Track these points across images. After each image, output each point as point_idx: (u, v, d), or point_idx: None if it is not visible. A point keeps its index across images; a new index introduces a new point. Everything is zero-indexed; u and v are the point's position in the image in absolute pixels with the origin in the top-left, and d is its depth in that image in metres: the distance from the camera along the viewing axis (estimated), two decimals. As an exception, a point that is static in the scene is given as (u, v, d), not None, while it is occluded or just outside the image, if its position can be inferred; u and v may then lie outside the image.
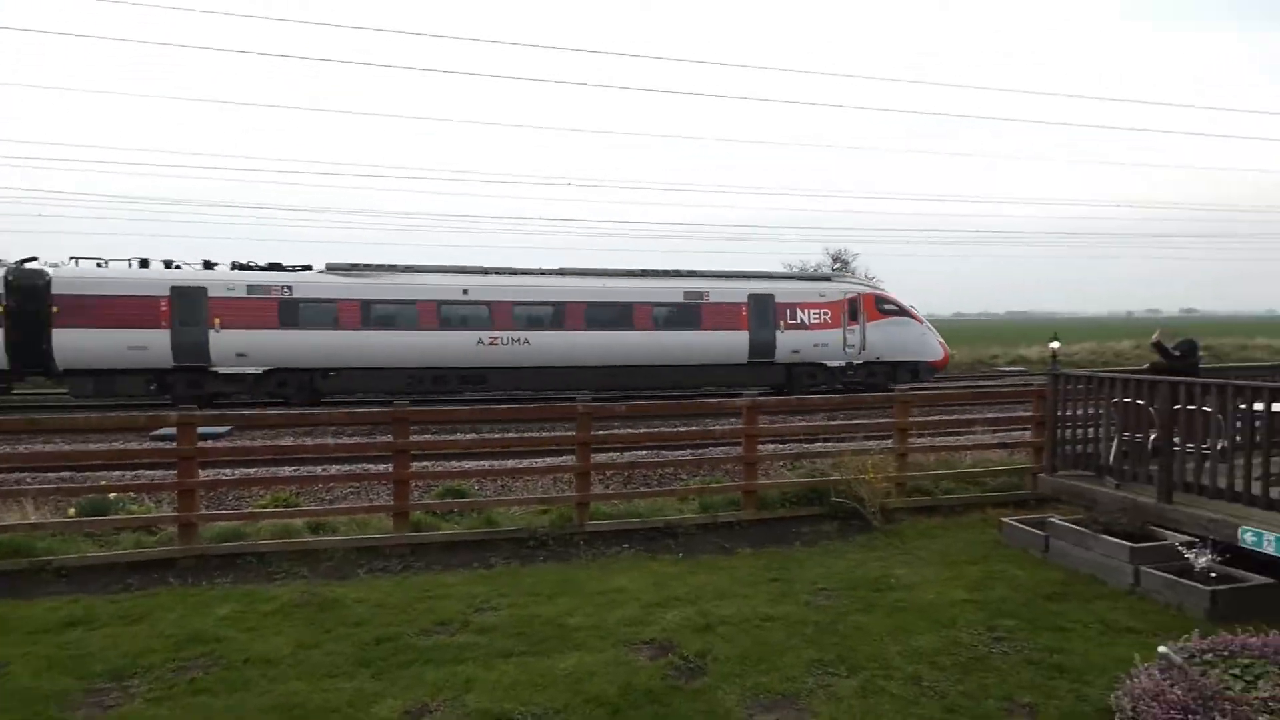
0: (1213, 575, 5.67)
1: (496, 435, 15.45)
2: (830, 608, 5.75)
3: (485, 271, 21.06)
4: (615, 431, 11.94)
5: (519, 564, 7.03)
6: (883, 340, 22.30)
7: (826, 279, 24.51)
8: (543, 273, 21.52)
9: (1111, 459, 7.36)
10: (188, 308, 18.56)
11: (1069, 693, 4.39)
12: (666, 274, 22.11)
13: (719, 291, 21.60)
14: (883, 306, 22.67)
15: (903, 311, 22.94)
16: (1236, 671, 4.08)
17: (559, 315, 20.42)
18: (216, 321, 18.67)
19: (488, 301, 20.08)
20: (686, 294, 21.40)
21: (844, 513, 8.34)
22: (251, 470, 11.22)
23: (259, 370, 19.05)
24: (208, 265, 19.77)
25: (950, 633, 5.24)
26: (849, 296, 22.46)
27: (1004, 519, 7.71)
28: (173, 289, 18.55)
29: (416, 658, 4.90)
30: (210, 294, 18.75)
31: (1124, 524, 6.46)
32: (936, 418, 11.81)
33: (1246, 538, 5.73)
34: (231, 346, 18.77)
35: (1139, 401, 7.08)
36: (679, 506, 8.64)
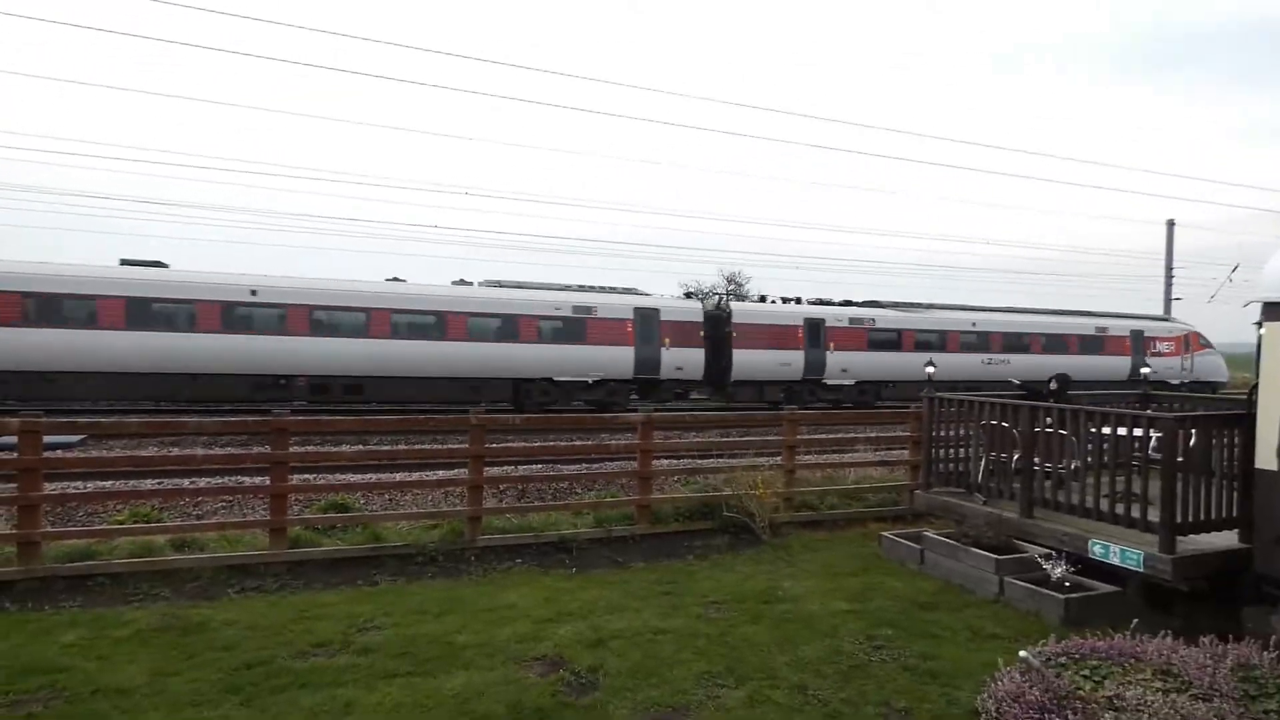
0: (1066, 584, 6.14)
1: (385, 447, 14.88)
2: (720, 620, 5.84)
3: (980, 309, 28.43)
4: (510, 444, 11.77)
5: (405, 581, 6.78)
6: (1200, 366, 30.27)
7: (1167, 319, 32.21)
8: (1009, 311, 29.02)
9: (980, 477, 7.87)
10: (813, 334, 24.44)
11: (940, 696, 4.63)
12: (1080, 314, 29.88)
13: (1114, 328, 29.33)
14: (1201, 341, 30.75)
15: (1209, 345, 31.02)
16: (1086, 672, 4.43)
17: (1028, 343, 27.85)
18: (831, 345, 24.62)
19: (989, 333, 27.26)
20: (1096, 329, 29.03)
21: (735, 527, 8.52)
22: (107, 483, 10.34)
23: (852, 382, 24.99)
24: (797, 301, 26.06)
25: (833, 642, 5.43)
26: (1184, 334, 30.55)
27: (883, 533, 8.10)
28: (805, 320, 24.54)
29: (291, 682, 4.62)
30: (827, 324, 24.73)
31: (990, 537, 6.91)
32: (823, 436, 12.27)
33: (1095, 549, 6.25)
34: (839, 364, 24.73)
35: (1004, 424, 7.62)
36: (573, 521, 8.58)
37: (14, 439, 6.68)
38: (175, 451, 13.16)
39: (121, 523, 7.95)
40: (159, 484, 10.29)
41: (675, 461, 11.56)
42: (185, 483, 10.32)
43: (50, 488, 7.85)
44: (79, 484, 10.36)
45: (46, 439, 6.82)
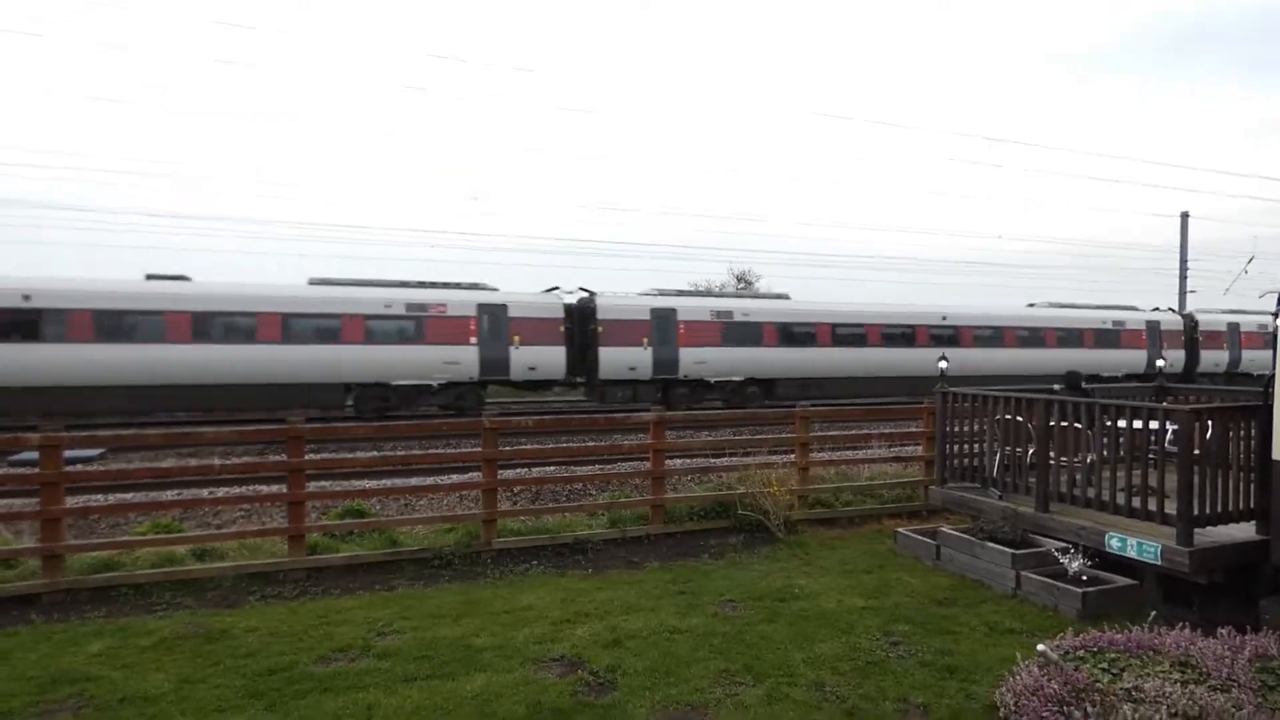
0: (1084, 578, 6.14)
1: (399, 452, 15.01)
2: (737, 618, 5.88)
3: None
4: (523, 447, 11.85)
5: (423, 585, 6.85)
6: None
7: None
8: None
9: (994, 472, 7.86)
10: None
11: (959, 691, 4.65)
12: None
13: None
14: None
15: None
16: (1104, 665, 4.45)
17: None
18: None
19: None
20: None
21: (749, 525, 8.55)
22: (128, 495, 10.50)
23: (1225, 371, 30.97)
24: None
25: (850, 639, 5.46)
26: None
27: (899, 529, 8.10)
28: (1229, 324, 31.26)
29: (314, 687, 4.70)
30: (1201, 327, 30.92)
31: (1006, 532, 6.91)
32: (836, 433, 12.27)
33: (1112, 543, 6.24)
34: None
35: (1018, 418, 7.61)
36: (588, 522, 8.64)
37: (36, 453, 6.80)
38: (194, 462, 13.33)
39: (143, 534, 8.07)
40: (179, 494, 10.42)
41: (688, 461, 11.59)
42: (204, 493, 10.44)
43: (72, 501, 7.99)
44: (100, 497, 10.54)
45: (67, 453, 6.94)
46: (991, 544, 6.81)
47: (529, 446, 13.30)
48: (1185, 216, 35.41)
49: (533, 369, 21.07)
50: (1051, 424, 7.13)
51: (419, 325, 20.04)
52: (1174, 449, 6.25)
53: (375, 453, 15.23)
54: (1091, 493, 6.77)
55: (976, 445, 8.21)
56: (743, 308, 23.83)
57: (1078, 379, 9.61)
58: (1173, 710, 3.87)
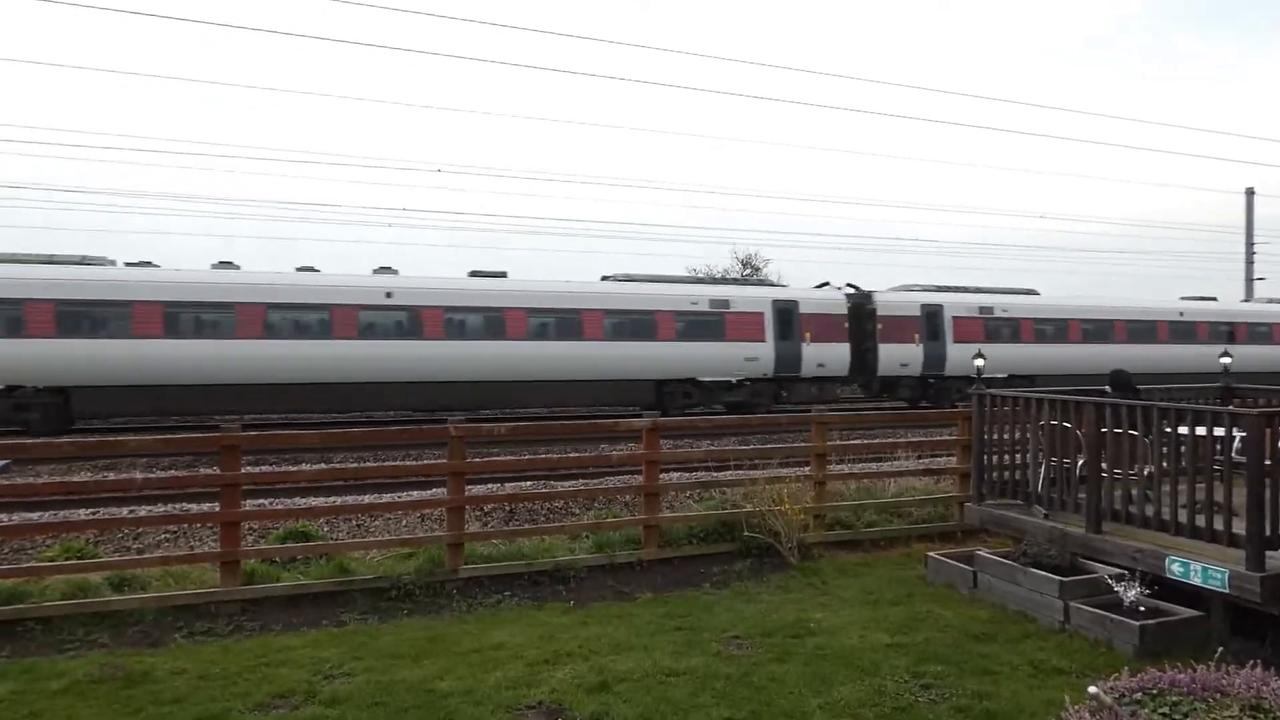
0: (1141, 609, 6.14)
1: (351, 464, 14.92)
2: (742, 658, 5.86)
3: None
4: (495, 458, 11.81)
5: (378, 620, 6.81)
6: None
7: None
8: None
9: (1039, 486, 7.86)
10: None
11: (998, 742, 4.64)
12: None
13: None
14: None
15: None
16: (1165, 710, 4.42)
17: None
18: None
19: None
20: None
21: (757, 549, 8.53)
22: (34, 514, 10.39)
23: None
24: None
25: (874, 681, 5.44)
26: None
27: (930, 553, 8.11)
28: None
29: (250, 739, 4.65)
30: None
31: (1053, 556, 6.91)
32: (857, 442, 12.28)
33: (1174, 568, 6.24)
34: None
35: (1065, 424, 7.60)
36: (570, 546, 8.61)
37: (-74, 465, 6.71)
38: (112, 476, 13.21)
39: (52, 559, 7.98)
40: (94, 514, 10.32)
41: (687, 474, 11.57)
42: (124, 511, 10.34)
43: (-31, 520, 7.89)
44: (2, 516, 10.41)
45: (-37, 465, 6.85)
46: (1036, 570, 6.81)
47: (502, 457, 13.25)
48: (1251, 193, 35.63)
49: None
50: (1103, 430, 7.13)
51: (1195, 330, 29.92)
52: (1242, 459, 6.25)
53: (323, 465, 15.14)
54: (1150, 510, 6.77)
55: (1019, 455, 8.20)
56: None
57: (1127, 379, 9.58)
58: (1245, 762, 3.86)
